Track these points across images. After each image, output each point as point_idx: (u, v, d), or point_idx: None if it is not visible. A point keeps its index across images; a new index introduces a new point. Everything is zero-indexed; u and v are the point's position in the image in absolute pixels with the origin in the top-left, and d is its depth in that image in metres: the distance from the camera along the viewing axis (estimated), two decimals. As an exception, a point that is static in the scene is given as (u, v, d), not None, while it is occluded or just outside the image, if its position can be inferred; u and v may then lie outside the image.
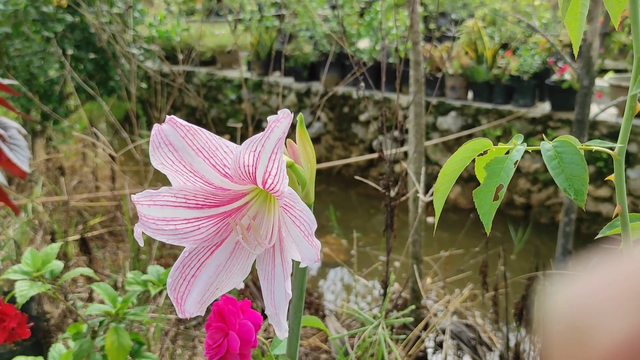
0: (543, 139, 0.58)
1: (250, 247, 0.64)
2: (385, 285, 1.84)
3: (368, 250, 3.73)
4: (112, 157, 2.93)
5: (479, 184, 0.59)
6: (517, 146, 0.57)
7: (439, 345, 2.18)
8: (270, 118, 0.54)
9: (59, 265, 1.19)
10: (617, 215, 0.60)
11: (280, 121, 0.54)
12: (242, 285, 0.74)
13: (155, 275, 1.27)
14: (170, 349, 1.87)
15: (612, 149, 0.54)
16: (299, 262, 0.77)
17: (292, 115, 0.55)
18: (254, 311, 0.86)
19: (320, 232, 3.86)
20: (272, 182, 0.58)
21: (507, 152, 0.58)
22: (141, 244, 0.63)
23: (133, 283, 1.26)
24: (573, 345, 0.22)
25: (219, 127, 5.23)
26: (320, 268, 3.58)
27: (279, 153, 0.56)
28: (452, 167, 0.58)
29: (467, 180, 4.51)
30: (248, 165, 0.58)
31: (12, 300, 1.28)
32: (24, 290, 1.12)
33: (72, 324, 1.29)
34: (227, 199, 0.65)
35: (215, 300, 0.86)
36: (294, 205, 0.58)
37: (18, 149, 1.61)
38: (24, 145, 1.62)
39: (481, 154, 0.58)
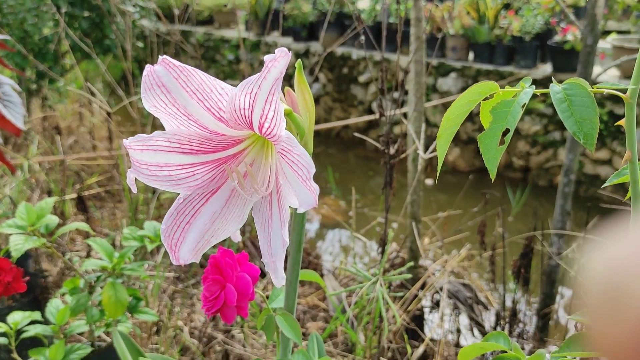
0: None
1: (247, 194, 0.62)
2: (383, 242, 1.83)
3: (366, 212, 3.73)
4: (109, 114, 2.89)
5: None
6: (525, 89, 0.54)
7: (436, 304, 2.19)
8: (267, 57, 0.51)
9: (53, 219, 1.18)
10: (625, 162, 0.58)
11: (277, 60, 0.51)
12: (238, 237, 0.73)
13: (152, 230, 1.25)
14: (168, 306, 1.88)
15: (624, 91, 0.52)
16: (297, 215, 0.75)
17: (290, 54, 0.52)
18: (252, 264, 0.85)
19: (319, 194, 3.82)
20: (269, 126, 0.56)
21: (514, 96, 0.55)
22: (134, 190, 0.61)
23: (130, 238, 1.25)
24: (611, 306, 0.24)
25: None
26: (318, 229, 3.58)
27: (276, 95, 0.53)
28: (457, 110, 0.56)
29: (466, 142, 4.49)
30: (244, 108, 0.56)
31: (8, 255, 1.27)
32: (18, 244, 1.10)
33: (69, 279, 1.28)
34: (223, 145, 0.63)
35: (212, 253, 0.85)
36: (292, 150, 0.56)
37: (12, 106, 1.58)
38: (18, 102, 1.58)
39: (487, 98, 0.56)
